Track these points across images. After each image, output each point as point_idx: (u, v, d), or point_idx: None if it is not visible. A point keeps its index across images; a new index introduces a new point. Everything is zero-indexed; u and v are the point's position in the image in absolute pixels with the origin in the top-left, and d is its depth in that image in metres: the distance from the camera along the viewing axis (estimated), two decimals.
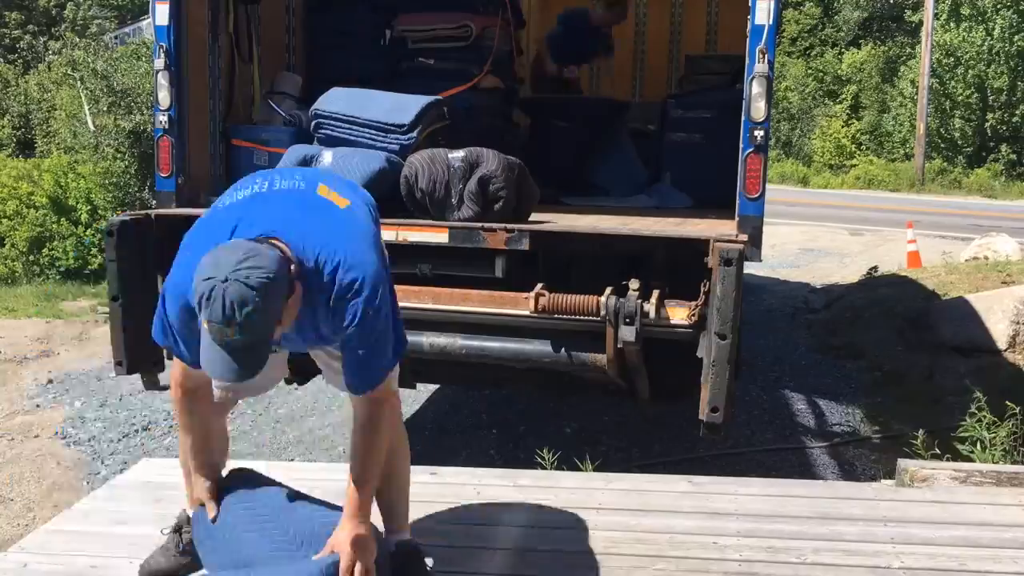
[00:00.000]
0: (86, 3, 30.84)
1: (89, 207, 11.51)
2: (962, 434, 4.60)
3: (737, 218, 4.06)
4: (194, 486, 2.74)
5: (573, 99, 6.92)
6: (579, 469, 4.37)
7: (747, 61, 3.95)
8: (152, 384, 4.49)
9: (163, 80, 4.58)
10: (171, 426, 6.44)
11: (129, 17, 29.80)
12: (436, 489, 3.75)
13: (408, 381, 4.99)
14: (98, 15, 30.27)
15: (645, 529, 3.28)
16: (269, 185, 2.55)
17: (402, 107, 4.64)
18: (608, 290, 3.87)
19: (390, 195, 4.31)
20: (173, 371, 2.72)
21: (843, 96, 31.57)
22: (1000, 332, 7.29)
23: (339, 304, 2.33)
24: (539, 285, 3.94)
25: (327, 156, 4.39)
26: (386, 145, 4.55)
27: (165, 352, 4.55)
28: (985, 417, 4.52)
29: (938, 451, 4.41)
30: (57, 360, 8.00)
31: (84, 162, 12.46)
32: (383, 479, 2.72)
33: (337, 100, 4.72)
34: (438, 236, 4.10)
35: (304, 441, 6.25)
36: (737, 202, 4.05)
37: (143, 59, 13.67)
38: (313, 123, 4.73)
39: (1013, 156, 27.13)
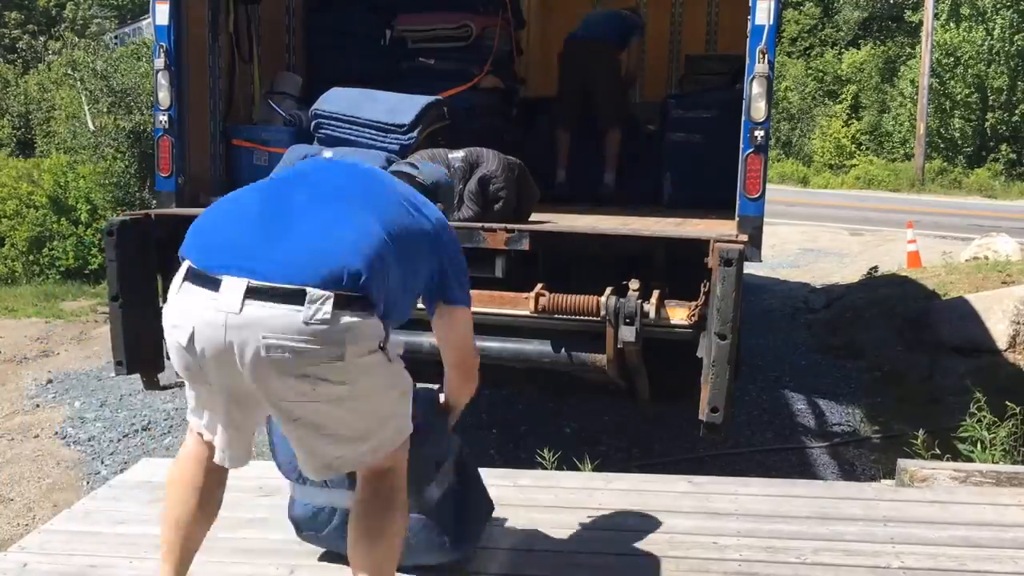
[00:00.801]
0: (86, 3, 30.84)
1: (89, 207, 11.51)
2: (962, 434, 4.60)
3: (737, 218, 4.07)
4: None
5: None
6: (579, 469, 4.37)
7: (747, 61, 3.95)
8: (152, 384, 4.49)
9: (163, 80, 4.58)
10: (171, 426, 6.44)
11: (129, 17, 29.81)
12: None
13: None
14: (98, 15, 30.27)
15: (645, 529, 3.28)
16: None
17: (402, 107, 4.64)
18: (608, 290, 3.87)
19: None
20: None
21: (843, 96, 31.56)
22: (1000, 332, 7.29)
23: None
24: (539, 285, 3.94)
25: (327, 156, 4.39)
26: (386, 145, 4.55)
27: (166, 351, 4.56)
28: (985, 417, 4.52)
29: (938, 451, 4.41)
30: (57, 360, 7.99)
31: (84, 162, 12.46)
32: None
33: (337, 100, 4.73)
34: None
35: None
36: (737, 202, 4.05)
37: (143, 59, 13.68)
38: (313, 123, 4.73)
39: (1013, 156, 27.12)
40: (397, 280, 2.26)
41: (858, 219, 17.93)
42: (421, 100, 4.69)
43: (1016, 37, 26.68)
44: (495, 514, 3.39)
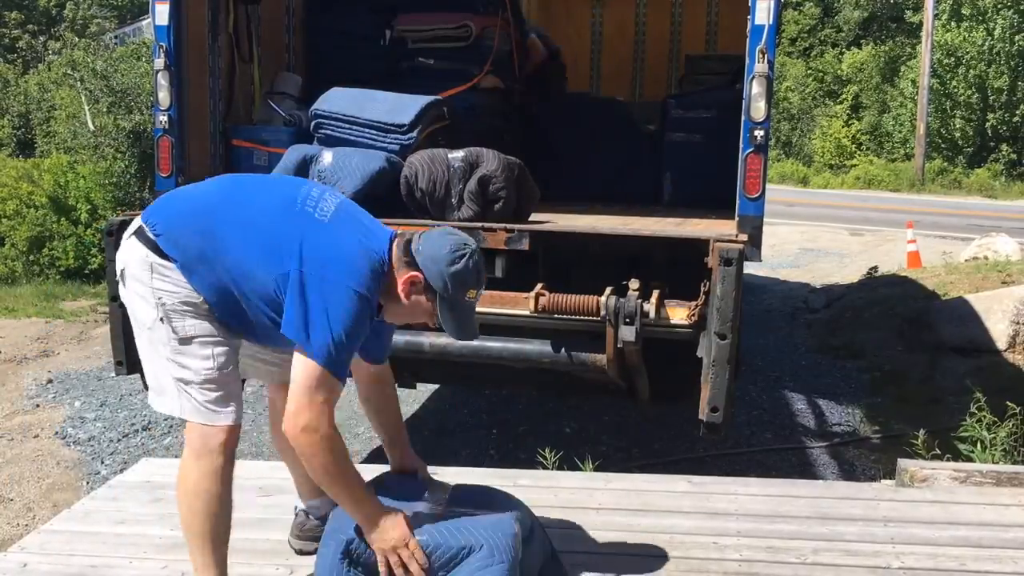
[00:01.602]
0: (86, 2, 30.85)
1: (89, 207, 11.52)
2: (962, 434, 4.60)
3: (737, 218, 4.06)
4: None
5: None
6: (579, 469, 4.37)
7: (747, 61, 3.95)
8: None
9: (163, 80, 4.58)
10: (171, 426, 6.44)
11: (129, 17, 29.83)
12: None
13: (408, 381, 5.00)
14: (98, 15, 30.27)
15: (645, 529, 3.27)
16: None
17: (402, 107, 4.64)
18: (608, 290, 3.87)
19: (390, 195, 4.31)
20: (319, 418, 2.31)
21: (843, 96, 31.56)
22: (1000, 332, 7.29)
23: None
24: (539, 285, 3.94)
25: (327, 156, 4.39)
26: (386, 145, 4.55)
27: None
28: (985, 417, 4.52)
29: (938, 451, 4.41)
30: (57, 360, 7.99)
31: (84, 162, 12.47)
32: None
33: (337, 100, 4.72)
34: None
35: None
36: (737, 202, 4.05)
37: (143, 59, 13.67)
38: (313, 123, 4.73)
39: (1013, 156, 27.12)
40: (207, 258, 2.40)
41: (858, 219, 17.93)
42: (421, 100, 4.69)
43: (1017, 37, 26.67)
44: None
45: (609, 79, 7.75)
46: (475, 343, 4.11)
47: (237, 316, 2.46)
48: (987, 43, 27.03)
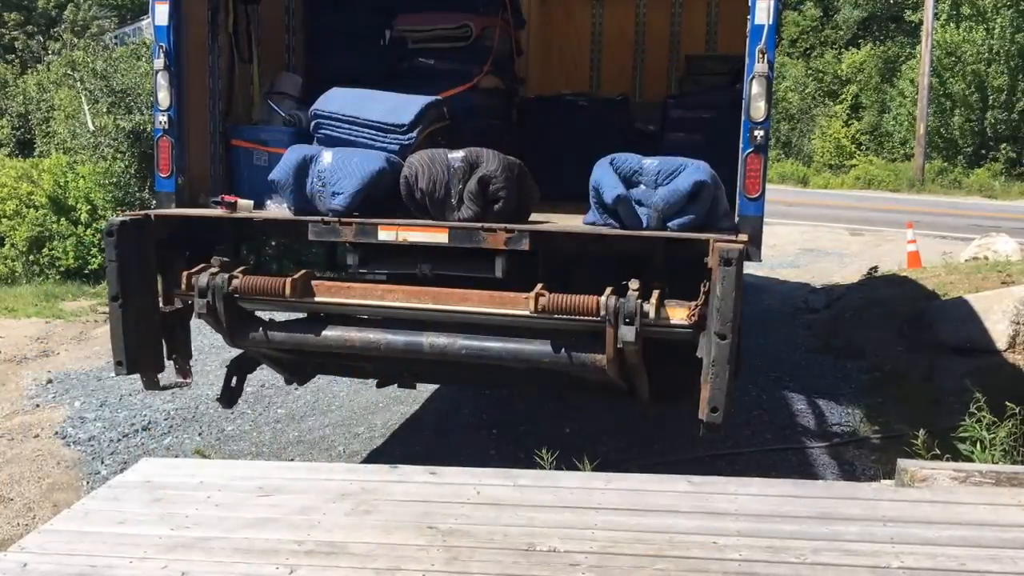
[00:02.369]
0: (86, 3, 30.82)
1: (89, 207, 11.51)
2: (962, 434, 4.60)
3: (737, 218, 4.06)
4: None
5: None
6: (579, 469, 4.37)
7: (747, 61, 3.95)
8: (152, 384, 4.49)
9: (163, 80, 4.58)
10: (171, 426, 6.44)
11: (129, 17, 29.81)
12: (436, 489, 3.75)
13: (408, 381, 5.00)
14: (98, 15, 30.26)
15: (645, 529, 3.28)
16: None
17: (402, 107, 4.64)
18: (608, 290, 3.87)
19: (390, 195, 4.31)
20: None
21: (843, 96, 31.55)
22: (1000, 332, 7.29)
23: None
24: (539, 285, 3.94)
25: (327, 156, 4.39)
26: (385, 145, 4.54)
27: (166, 351, 4.56)
28: (985, 417, 4.52)
29: (938, 451, 4.41)
30: (57, 360, 7.99)
31: (84, 162, 12.46)
32: None
33: (337, 100, 4.72)
34: (438, 236, 4.10)
35: (304, 441, 6.25)
36: (737, 202, 4.05)
37: (143, 59, 13.66)
38: (313, 123, 4.73)
39: (1013, 156, 27.10)
40: None
41: (858, 219, 17.93)
42: (421, 100, 4.68)
43: (1016, 37, 26.67)
44: (495, 513, 3.39)
45: (609, 79, 7.75)
46: (475, 343, 4.11)
47: None
48: (987, 42, 27.03)
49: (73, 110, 14.63)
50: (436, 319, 4.15)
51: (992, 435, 4.47)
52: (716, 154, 4.38)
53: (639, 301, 3.79)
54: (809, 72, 32.41)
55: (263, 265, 9.50)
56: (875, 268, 11.34)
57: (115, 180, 11.70)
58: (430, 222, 4.21)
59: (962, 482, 3.67)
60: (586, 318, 3.86)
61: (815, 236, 15.81)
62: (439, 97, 4.84)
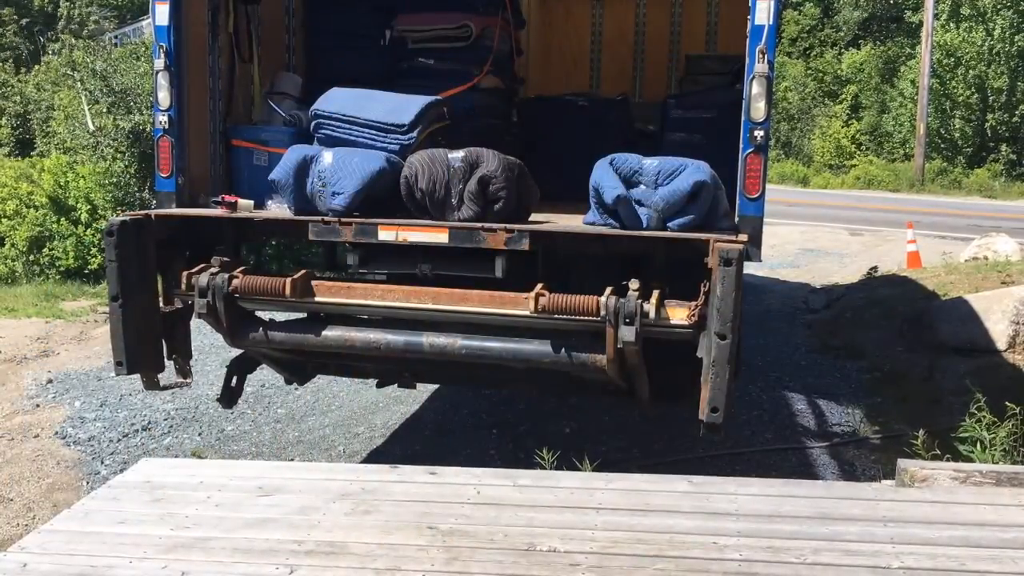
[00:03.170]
0: (81, 0, 30.82)
1: (89, 207, 11.51)
2: (962, 434, 4.60)
3: (737, 218, 4.07)
4: None
5: None
6: (579, 469, 4.37)
7: (747, 61, 3.95)
8: (152, 384, 4.49)
9: (163, 80, 4.58)
10: (171, 426, 6.44)
11: (129, 17, 29.82)
12: (436, 489, 3.75)
13: (408, 381, 5.00)
14: (96, 13, 30.26)
15: (645, 529, 3.28)
16: None
17: (402, 107, 4.64)
18: (608, 290, 3.87)
19: (390, 195, 4.31)
20: None
21: (843, 96, 31.55)
22: (1000, 332, 7.28)
23: None
24: (539, 285, 3.94)
25: (327, 156, 4.39)
26: (386, 145, 4.54)
27: (166, 351, 4.56)
28: (985, 417, 4.52)
29: (938, 451, 4.41)
30: (57, 360, 7.99)
31: (83, 162, 12.46)
32: None
33: (337, 100, 4.72)
34: (438, 236, 4.10)
35: (304, 441, 6.25)
36: (737, 202, 4.05)
37: (143, 59, 13.65)
38: (313, 123, 4.73)
39: (1013, 156, 27.11)
40: None
41: (858, 219, 17.93)
42: (421, 100, 4.68)
43: (1016, 37, 26.67)
44: (495, 513, 3.39)
45: (609, 79, 7.75)
46: (475, 343, 4.11)
47: None
48: (987, 43, 27.03)
49: (73, 110, 14.63)
50: (436, 319, 4.15)
51: (992, 435, 4.47)
52: (716, 154, 4.38)
53: (639, 301, 3.79)
54: (809, 72, 32.41)
55: (263, 265, 9.50)
56: (875, 268, 11.34)
57: (115, 180, 11.70)
58: (430, 222, 4.21)
59: (962, 482, 3.67)
60: (586, 318, 3.86)
61: (815, 236, 15.82)
62: (439, 97, 4.84)
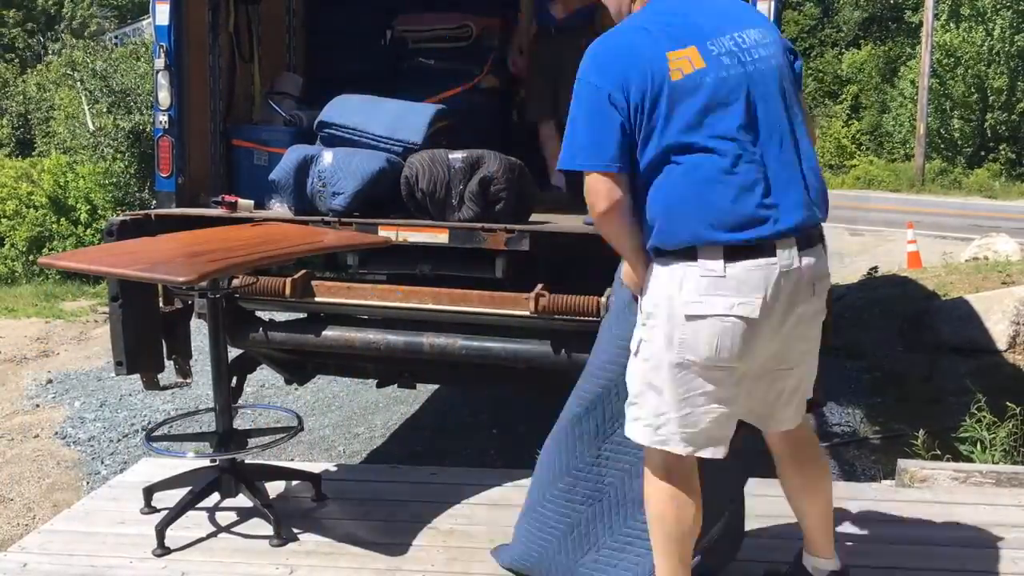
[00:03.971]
0: (84, 1, 30.83)
1: (89, 207, 11.53)
2: (962, 434, 4.60)
3: None
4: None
5: None
6: None
7: None
8: (152, 385, 4.49)
9: (163, 80, 4.57)
10: (171, 427, 6.43)
11: (129, 17, 29.83)
12: (436, 489, 3.76)
13: (408, 381, 5.00)
14: (97, 14, 30.28)
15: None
16: None
17: (411, 122, 4.58)
18: (608, 290, 3.86)
19: (390, 195, 4.31)
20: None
21: (843, 96, 31.58)
22: (1000, 332, 7.28)
23: None
24: (539, 285, 3.94)
25: (327, 156, 4.38)
26: (389, 147, 4.53)
27: (166, 351, 4.55)
28: (985, 417, 4.52)
29: (938, 451, 4.41)
30: (57, 360, 8.00)
31: (83, 162, 12.48)
32: None
33: (344, 110, 4.66)
34: (438, 236, 4.10)
35: (304, 441, 6.25)
36: None
37: (143, 59, 13.68)
38: (319, 135, 4.69)
39: (1013, 156, 27.14)
40: None
41: (858, 219, 17.93)
42: (428, 110, 4.65)
43: (1016, 37, 26.70)
44: (495, 513, 3.39)
45: None
46: (475, 343, 4.11)
47: None
48: (986, 43, 27.06)
49: (73, 110, 14.64)
50: (436, 319, 4.15)
51: (992, 435, 4.47)
52: None
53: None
54: (809, 72, 32.42)
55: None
56: (875, 268, 11.34)
57: (115, 180, 11.73)
58: (430, 222, 4.20)
59: (962, 482, 3.67)
60: (586, 318, 3.86)
61: None
62: (443, 107, 4.82)
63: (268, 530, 3.28)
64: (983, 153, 27.63)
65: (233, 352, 5.02)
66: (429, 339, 4.16)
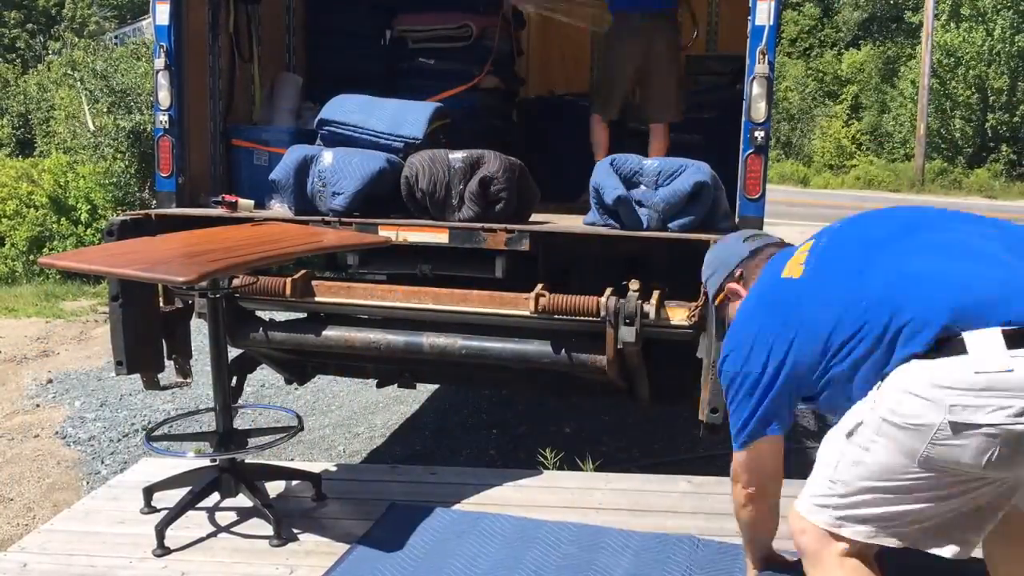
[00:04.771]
0: (84, 1, 30.83)
1: (89, 207, 11.52)
2: None
3: (737, 219, 4.07)
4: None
5: None
6: (579, 469, 4.37)
7: (747, 62, 3.95)
8: (152, 384, 4.50)
9: (163, 80, 4.58)
10: (171, 427, 6.43)
11: (129, 17, 29.83)
12: (436, 489, 3.76)
13: (408, 381, 5.01)
14: (97, 14, 30.28)
15: (645, 529, 3.27)
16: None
17: (410, 118, 4.59)
18: (608, 291, 3.87)
19: (390, 195, 4.31)
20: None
21: (843, 96, 31.59)
22: None
23: None
24: (539, 285, 3.94)
25: (327, 156, 4.39)
26: (389, 144, 4.54)
27: (166, 351, 4.56)
28: None
29: None
30: (57, 360, 8.00)
31: (84, 162, 12.48)
32: None
33: (344, 108, 4.67)
34: (438, 236, 4.10)
35: (304, 441, 6.25)
36: (737, 203, 4.05)
37: (143, 59, 13.67)
38: (320, 133, 4.70)
39: (1013, 156, 27.15)
40: None
41: None
42: (427, 108, 4.65)
43: (1016, 38, 26.70)
44: (495, 513, 3.38)
45: None
46: (475, 343, 4.11)
47: None
48: (987, 43, 27.07)
49: (74, 110, 14.64)
50: (436, 319, 4.15)
51: None
52: (716, 155, 4.39)
53: (639, 302, 3.79)
54: (809, 72, 32.45)
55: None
56: None
57: (115, 180, 11.71)
58: (430, 222, 4.21)
59: None
60: (586, 318, 3.86)
61: None
62: (441, 105, 4.83)
63: (268, 530, 3.28)
64: (983, 153, 27.63)
65: (233, 352, 5.03)
66: (429, 339, 4.16)
